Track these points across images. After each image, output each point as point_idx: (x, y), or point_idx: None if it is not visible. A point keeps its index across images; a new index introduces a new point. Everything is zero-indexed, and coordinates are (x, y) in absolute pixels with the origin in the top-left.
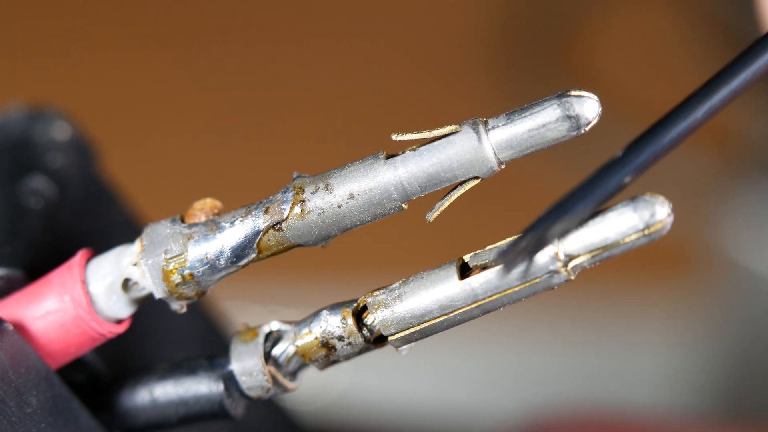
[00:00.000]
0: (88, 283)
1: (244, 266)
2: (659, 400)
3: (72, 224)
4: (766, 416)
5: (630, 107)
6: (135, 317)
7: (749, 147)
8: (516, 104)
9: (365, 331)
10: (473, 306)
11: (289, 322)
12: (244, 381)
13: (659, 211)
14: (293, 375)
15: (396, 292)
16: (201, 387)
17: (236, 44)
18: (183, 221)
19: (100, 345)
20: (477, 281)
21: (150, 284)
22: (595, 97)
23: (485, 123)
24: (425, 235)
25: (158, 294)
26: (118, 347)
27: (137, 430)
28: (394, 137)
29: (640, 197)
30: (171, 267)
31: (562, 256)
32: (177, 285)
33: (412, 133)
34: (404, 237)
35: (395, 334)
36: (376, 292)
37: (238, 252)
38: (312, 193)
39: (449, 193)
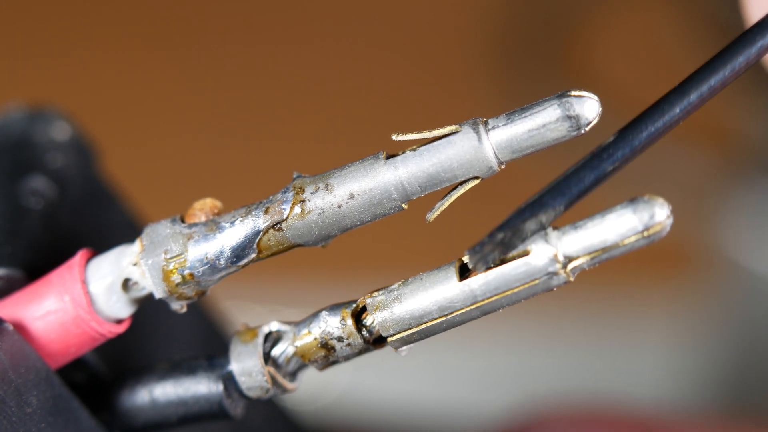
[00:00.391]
0: (88, 283)
1: (244, 266)
2: (659, 399)
3: (72, 224)
4: (767, 415)
5: (630, 107)
6: (135, 317)
7: (749, 147)
8: (516, 104)
9: (364, 332)
10: (472, 307)
11: (289, 323)
12: (244, 381)
13: (658, 213)
14: (293, 375)
15: (395, 293)
16: (200, 387)
17: (236, 44)
18: (183, 221)
19: (100, 345)
20: (476, 282)
21: (150, 284)
22: (595, 97)
23: (485, 123)
24: (425, 235)
25: (158, 294)
26: (118, 347)
27: (137, 430)
28: (394, 137)
29: (639, 199)
30: (171, 267)
31: (561, 258)
32: (177, 285)
33: (412, 133)
34: (404, 237)
35: (394, 335)
36: (375, 293)
37: (238, 252)
38: (312, 193)
39: (449, 193)
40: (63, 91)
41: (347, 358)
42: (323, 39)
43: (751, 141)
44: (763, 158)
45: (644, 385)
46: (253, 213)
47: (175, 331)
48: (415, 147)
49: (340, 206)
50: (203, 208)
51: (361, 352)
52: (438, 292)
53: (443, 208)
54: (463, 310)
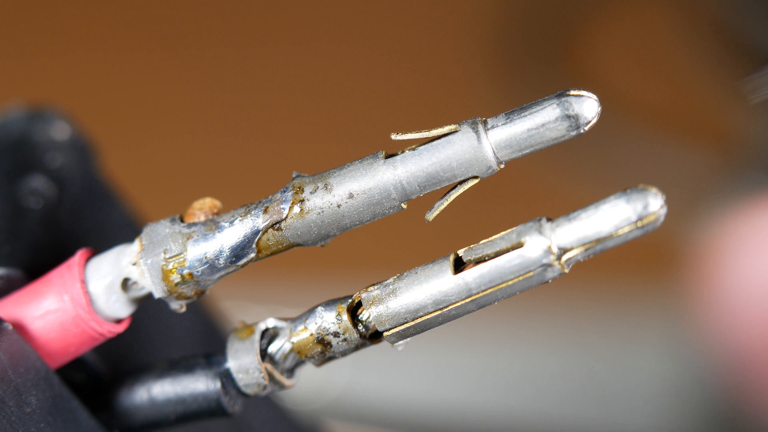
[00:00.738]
0: (88, 282)
1: (243, 266)
2: (659, 399)
3: (72, 224)
4: (764, 416)
5: (630, 107)
6: (134, 317)
7: (749, 147)
8: (515, 104)
9: (360, 327)
10: (467, 300)
11: (285, 319)
12: (241, 378)
13: (652, 203)
14: (290, 372)
15: (390, 287)
16: (198, 385)
17: (236, 45)
18: (182, 221)
19: (100, 345)
20: (471, 275)
21: (149, 284)
22: (595, 97)
23: (484, 122)
24: (425, 234)
25: (157, 293)
26: (118, 347)
27: (136, 429)
28: (393, 137)
29: (632, 188)
30: (170, 266)
31: (555, 250)
32: (176, 284)
33: (411, 132)
34: (403, 236)
35: (390, 329)
36: (371, 288)
37: (238, 251)
38: (311, 193)
39: (448, 192)
40: (63, 91)
41: (344, 353)
42: (323, 39)
43: (751, 141)
44: (763, 158)
45: (643, 384)
46: (253, 212)
47: (174, 330)
48: (414, 146)
49: (339, 206)
50: (202, 207)
51: (357, 347)
52: (433, 285)
53: (442, 207)
54: (459, 303)
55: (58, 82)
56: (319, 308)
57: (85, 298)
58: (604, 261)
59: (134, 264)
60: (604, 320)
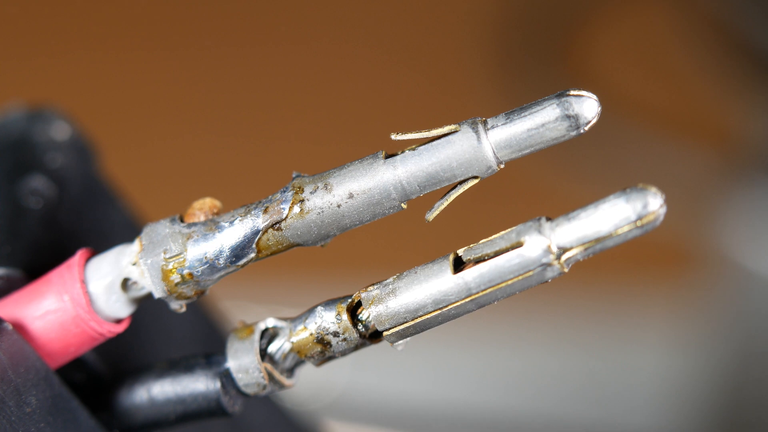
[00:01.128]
0: (88, 282)
1: (243, 266)
2: (659, 399)
3: (72, 224)
4: (765, 415)
5: (630, 107)
6: (134, 317)
7: (749, 147)
8: (515, 104)
9: (360, 327)
10: (467, 300)
11: (285, 319)
12: (241, 378)
13: (652, 202)
14: (290, 372)
15: (390, 287)
16: (198, 385)
17: (236, 45)
18: (182, 221)
19: (100, 345)
20: (470, 275)
21: (149, 284)
22: (595, 97)
23: (484, 122)
24: (425, 234)
25: (157, 293)
26: (118, 347)
27: (136, 429)
28: (393, 137)
29: (632, 188)
30: (170, 266)
31: (554, 249)
32: (176, 284)
33: (411, 132)
34: (403, 236)
35: (390, 329)
36: (370, 288)
37: (238, 251)
38: (311, 193)
39: (448, 192)
40: (63, 91)
41: (343, 353)
42: (323, 39)
43: (751, 141)
44: (763, 158)
45: (643, 384)
46: (253, 212)
47: (174, 330)
48: (414, 146)
49: (339, 206)
50: (202, 207)
51: (357, 347)
52: (432, 285)
53: (442, 207)
54: (458, 303)
55: (58, 82)
56: (319, 308)
57: (85, 298)
58: (604, 261)
59: (134, 264)
60: (604, 320)
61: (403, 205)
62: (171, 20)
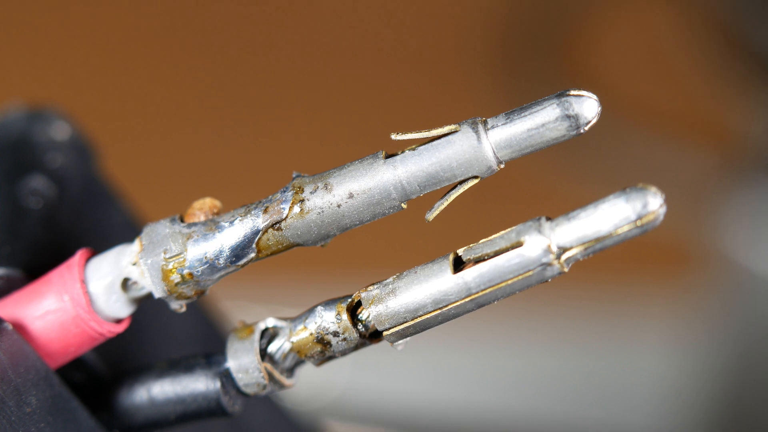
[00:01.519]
0: (88, 282)
1: (243, 266)
2: (659, 399)
3: (72, 224)
4: (765, 415)
5: (630, 107)
6: (134, 317)
7: (749, 147)
8: (516, 104)
9: (360, 327)
10: (467, 300)
11: (285, 319)
12: (241, 378)
13: (651, 202)
14: (290, 371)
15: (390, 286)
16: (198, 385)
17: (236, 44)
18: (182, 221)
19: (100, 345)
20: (470, 275)
21: (149, 284)
22: (595, 97)
23: (484, 122)
24: (425, 234)
25: (157, 293)
26: (118, 347)
27: (136, 429)
28: (393, 137)
29: (632, 188)
30: (170, 266)
31: (554, 249)
32: (176, 284)
33: (411, 132)
34: (403, 236)
35: (390, 329)
36: (370, 287)
37: (238, 251)
38: (311, 193)
39: (448, 192)
40: (63, 91)
41: (343, 353)
42: (323, 39)
43: (751, 141)
44: (763, 158)
45: (643, 384)
46: (253, 212)
47: (174, 330)
48: (414, 146)
49: (339, 206)
50: (202, 207)
51: (357, 347)
52: (432, 285)
53: (442, 207)
54: (458, 303)
55: (58, 82)
56: (319, 308)
57: (85, 298)
58: (604, 261)
59: (134, 264)
60: (604, 320)
61: (403, 205)
62: (171, 20)
